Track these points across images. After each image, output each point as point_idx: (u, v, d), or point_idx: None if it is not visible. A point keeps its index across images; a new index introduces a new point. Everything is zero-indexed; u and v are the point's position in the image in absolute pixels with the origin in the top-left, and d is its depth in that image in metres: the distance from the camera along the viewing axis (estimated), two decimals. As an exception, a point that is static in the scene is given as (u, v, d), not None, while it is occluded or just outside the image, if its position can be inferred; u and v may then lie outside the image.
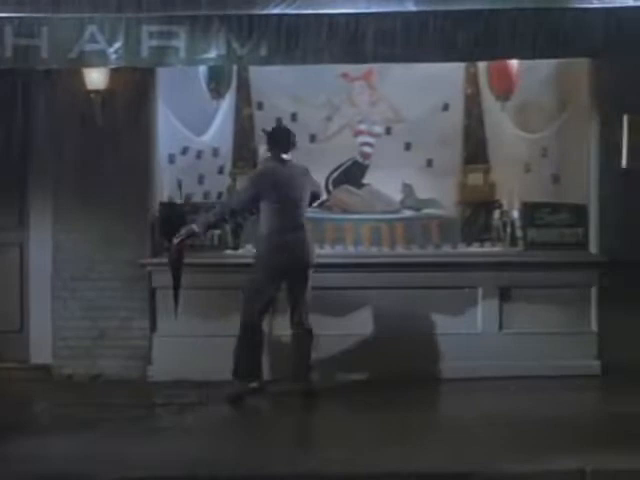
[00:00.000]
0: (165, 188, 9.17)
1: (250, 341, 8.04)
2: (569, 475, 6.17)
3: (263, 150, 8.64)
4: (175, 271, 8.10)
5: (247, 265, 8.76)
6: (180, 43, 7.48)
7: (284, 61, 7.70)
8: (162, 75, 8.85)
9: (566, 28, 7.64)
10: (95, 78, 8.46)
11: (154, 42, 7.49)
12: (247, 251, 9.06)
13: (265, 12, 7.49)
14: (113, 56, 7.50)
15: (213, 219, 8.24)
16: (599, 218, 8.91)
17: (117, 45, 7.47)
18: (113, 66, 7.83)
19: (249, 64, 8.67)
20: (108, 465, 6.37)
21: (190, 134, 9.38)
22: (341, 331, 8.81)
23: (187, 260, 8.68)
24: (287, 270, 8.08)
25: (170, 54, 7.53)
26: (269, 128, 8.52)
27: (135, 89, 8.69)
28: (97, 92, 8.52)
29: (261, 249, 8.22)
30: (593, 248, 8.94)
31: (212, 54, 7.52)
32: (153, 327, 8.86)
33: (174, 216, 8.75)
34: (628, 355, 8.65)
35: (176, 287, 8.10)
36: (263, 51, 7.46)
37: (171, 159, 9.28)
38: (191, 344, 8.69)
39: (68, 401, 8.04)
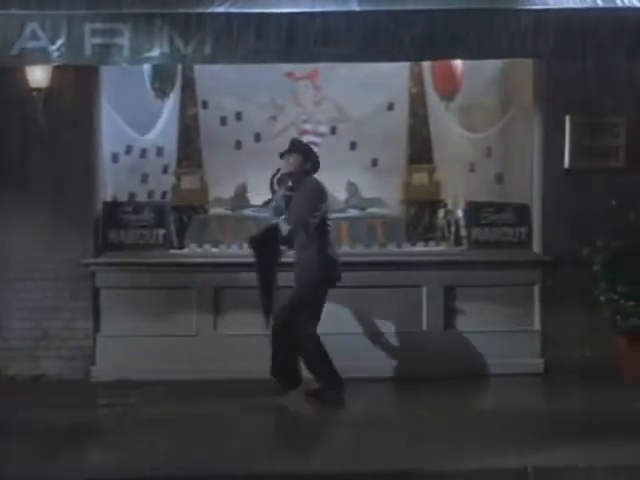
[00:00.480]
0: (109, 187, 9.10)
1: (323, 353, 7.87)
2: (512, 473, 6.20)
3: (288, 165, 7.93)
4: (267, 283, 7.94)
5: (191, 265, 8.80)
6: (124, 41, 7.41)
7: (228, 60, 7.67)
8: (106, 73, 8.78)
9: (510, 29, 7.67)
10: (37, 76, 8.36)
11: (97, 40, 7.41)
12: (192, 250, 9.04)
13: (209, 11, 7.45)
14: (55, 54, 7.41)
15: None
16: (542, 217, 8.98)
17: (59, 43, 7.38)
18: (55, 64, 7.76)
19: (193, 63, 8.65)
20: (48, 467, 6.30)
21: (134, 133, 9.33)
22: (287, 330, 8.79)
23: (131, 259, 8.70)
24: (334, 284, 7.97)
25: (113, 52, 7.46)
26: (299, 143, 8.11)
27: (78, 87, 8.61)
28: (39, 90, 8.42)
29: (315, 266, 7.77)
30: (536, 247, 9.01)
31: (156, 52, 7.45)
32: (97, 327, 8.79)
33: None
34: (570, 353, 8.75)
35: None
36: (207, 50, 7.41)
37: (115, 158, 9.22)
38: (135, 344, 8.65)
39: (9, 402, 7.93)
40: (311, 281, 7.75)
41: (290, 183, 7.85)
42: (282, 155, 7.86)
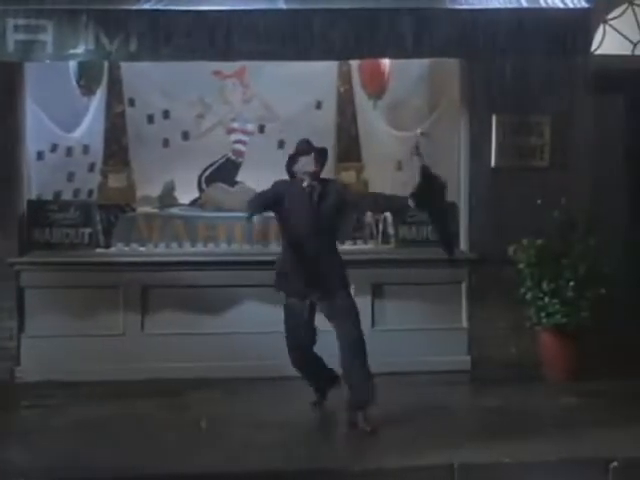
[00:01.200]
0: (34, 186, 8.98)
1: None
2: (437, 470, 6.26)
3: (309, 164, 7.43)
4: None
5: (118, 264, 8.73)
6: (47, 37, 7.31)
7: (154, 57, 7.58)
8: (30, 70, 8.67)
9: (437, 28, 7.71)
10: (-41, 72, 8.23)
11: (20, 36, 7.29)
12: (119, 249, 8.97)
13: (135, 7, 7.39)
14: (-23, 49, 7.31)
15: None
16: (469, 216, 9.06)
17: (-19, 38, 7.28)
18: (-23, 60, 7.65)
19: (118, 60, 8.54)
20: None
21: (60, 131, 9.20)
22: (215, 329, 8.78)
23: (57, 259, 8.62)
24: None
25: (37, 48, 7.35)
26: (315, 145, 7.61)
27: (1, 83, 8.47)
28: (-39, 86, 8.30)
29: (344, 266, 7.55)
30: (463, 245, 9.08)
31: (80, 49, 7.35)
32: (21, 327, 8.67)
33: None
34: (497, 350, 8.84)
35: None
36: (132, 47, 7.34)
37: (40, 156, 9.10)
38: (61, 344, 8.57)
39: None
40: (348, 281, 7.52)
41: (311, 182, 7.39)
42: (295, 156, 7.47)
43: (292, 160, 7.49)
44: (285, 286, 7.51)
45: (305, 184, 7.36)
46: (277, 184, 7.55)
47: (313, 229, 7.28)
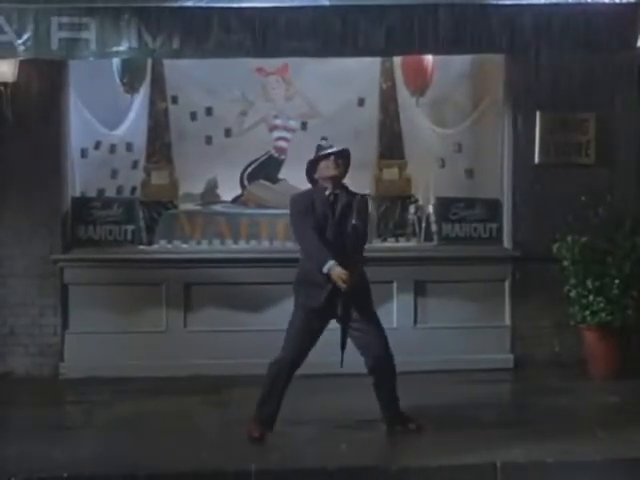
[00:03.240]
0: (77, 183, 9.04)
1: None
2: (480, 469, 6.21)
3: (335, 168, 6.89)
4: None
5: (161, 261, 8.76)
6: (91, 35, 7.38)
7: (196, 55, 7.63)
8: (74, 68, 8.72)
9: (480, 24, 7.70)
10: (3, 70, 8.26)
11: (64, 34, 7.37)
12: (161, 247, 9.00)
13: (178, 5, 7.42)
14: (21, 47, 7.37)
15: None
16: (512, 213, 8.99)
17: (26, 36, 7.34)
18: (21, 58, 7.73)
19: (161, 57, 8.58)
20: (16, 464, 6.26)
21: (103, 128, 9.27)
22: (256, 327, 8.77)
23: (100, 256, 8.67)
24: None
25: (80, 46, 7.42)
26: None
27: (46, 82, 8.55)
28: (5, 85, 8.34)
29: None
30: (506, 242, 9.02)
31: (123, 47, 7.42)
32: (65, 324, 8.73)
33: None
34: (540, 348, 8.78)
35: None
36: (175, 44, 7.39)
37: (84, 153, 9.16)
38: (103, 340, 8.62)
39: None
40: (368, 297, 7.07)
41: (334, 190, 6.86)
42: (315, 162, 6.94)
43: (312, 166, 6.98)
44: (305, 298, 6.88)
45: (327, 192, 6.85)
46: (298, 200, 7.02)
47: (336, 239, 6.76)
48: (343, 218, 6.80)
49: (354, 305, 6.86)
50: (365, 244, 7.01)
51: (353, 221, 6.76)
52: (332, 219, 6.80)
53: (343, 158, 6.91)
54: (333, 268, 6.65)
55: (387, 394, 7.01)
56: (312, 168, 6.98)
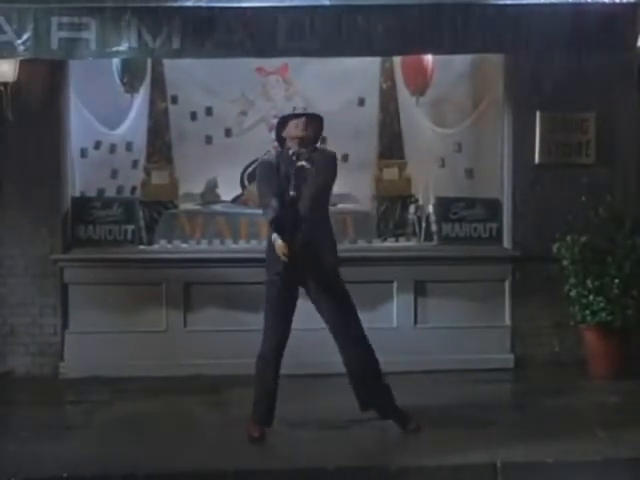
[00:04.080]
0: (77, 183, 9.04)
1: None
2: (480, 469, 6.21)
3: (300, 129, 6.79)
4: None
5: (161, 261, 8.76)
6: (91, 35, 7.36)
7: (196, 55, 7.64)
8: (74, 68, 8.71)
9: (481, 24, 7.69)
10: (3, 70, 8.24)
11: (64, 33, 7.35)
12: (161, 246, 9.00)
13: (178, 4, 7.41)
14: (21, 47, 7.35)
15: None
16: (512, 213, 8.98)
17: (26, 36, 7.32)
18: (21, 57, 7.71)
19: (161, 57, 8.57)
20: (16, 464, 6.26)
21: (103, 128, 9.28)
22: (256, 326, 8.67)
23: (100, 255, 8.67)
24: None
25: (80, 46, 7.40)
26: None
27: (46, 82, 8.53)
28: (6, 85, 8.32)
29: (335, 248, 7.06)
30: (506, 242, 9.01)
31: (123, 47, 7.41)
32: (65, 323, 8.73)
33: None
34: (540, 348, 8.78)
35: None
36: (175, 44, 7.37)
37: (83, 153, 9.17)
38: (104, 340, 8.61)
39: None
40: (338, 265, 6.90)
41: (297, 154, 6.74)
42: (285, 120, 6.84)
43: (281, 124, 6.87)
44: (274, 267, 6.72)
45: (291, 152, 6.74)
46: (264, 164, 6.91)
47: (294, 206, 6.59)
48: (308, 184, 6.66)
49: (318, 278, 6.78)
50: (322, 205, 6.83)
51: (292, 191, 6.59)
52: (294, 178, 6.66)
53: (314, 122, 6.83)
54: (275, 240, 6.61)
55: (360, 380, 6.91)
56: (282, 125, 6.88)
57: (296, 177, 6.66)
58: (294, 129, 6.78)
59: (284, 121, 6.88)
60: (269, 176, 6.77)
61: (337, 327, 6.92)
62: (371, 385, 6.96)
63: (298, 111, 6.96)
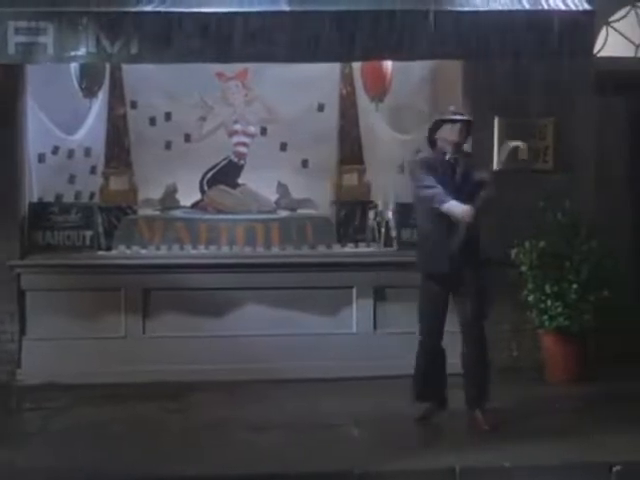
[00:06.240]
0: (35, 188, 8.98)
1: None
2: (439, 473, 6.24)
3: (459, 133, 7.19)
4: None
5: (120, 266, 8.71)
6: (48, 40, 7.27)
7: (155, 60, 7.60)
8: (32, 73, 8.68)
9: (439, 30, 7.68)
10: (-39, 75, 8.20)
11: (21, 38, 7.25)
12: (120, 252, 8.97)
13: (136, 9, 7.36)
14: (-22, 52, 7.29)
15: None
16: (471, 218, 9.00)
17: (-19, 41, 7.26)
18: (-23, 63, 7.63)
19: (119, 62, 8.50)
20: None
21: (61, 133, 9.22)
22: (216, 332, 8.77)
23: (58, 261, 8.61)
24: None
25: (38, 51, 7.30)
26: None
27: (3, 87, 8.45)
28: (-38, 89, 8.28)
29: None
30: (465, 248, 9.03)
31: (81, 51, 7.33)
32: (22, 330, 8.66)
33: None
34: (498, 353, 8.75)
35: None
36: (133, 49, 7.31)
37: (41, 158, 9.12)
38: (62, 347, 8.57)
39: None
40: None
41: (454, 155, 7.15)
42: (440, 122, 7.18)
43: (436, 125, 7.22)
44: (427, 266, 7.27)
45: (448, 157, 7.12)
46: (425, 161, 7.25)
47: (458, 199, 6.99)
48: (463, 181, 7.07)
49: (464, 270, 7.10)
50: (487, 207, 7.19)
51: (480, 176, 7.07)
52: (452, 182, 7.04)
53: (468, 128, 7.24)
54: (457, 206, 6.91)
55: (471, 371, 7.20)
56: (436, 127, 7.21)
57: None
58: (449, 133, 7.14)
59: (439, 123, 7.21)
60: (429, 172, 7.10)
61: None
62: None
63: (456, 116, 7.22)
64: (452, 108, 7.40)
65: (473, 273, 7.16)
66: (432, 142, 7.29)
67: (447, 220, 7.05)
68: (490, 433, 6.97)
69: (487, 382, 7.24)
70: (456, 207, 6.94)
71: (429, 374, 7.37)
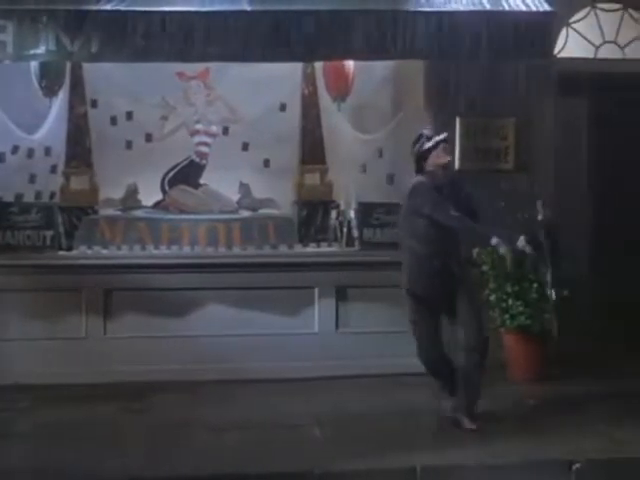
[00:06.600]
0: (-6, 187, 8.92)
1: None
2: (400, 473, 6.25)
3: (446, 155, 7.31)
4: None
5: (80, 267, 8.66)
6: (7, 37, 7.25)
7: (115, 59, 7.58)
8: (-9, 71, 8.60)
9: (401, 30, 7.73)
10: None
11: (-21, 36, 7.25)
12: (81, 252, 8.91)
13: (96, 8, 7.34)
14: None
15: None
16: (432, 218, 9.03)
17: (-61, 39, 7.21)
18: None
19: (79, 60, 8.44)
20: None
21: (21, 132, 9.12)
22: (178, 332, 8.73)
23: (18, 262, 8.54)
24: None
25: (-4, 48, 7.30)
26: None
27: (-39, 85, 8.42)
28: None
29: None
30: (427, 248, 9.06)
31: (41, 50, 7.31)
32: (-17, 330, 8.60)
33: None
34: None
35: None
36: (94, 48, 7.29)
37: (0, 158, 9.04)
38: (22, 347, 8.48)
39: None
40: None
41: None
42: (426, 153, 7.21)
43: (422, 157, 7.21)
44: (417, 286, 7.27)
45: (445, 179, 7.15)
46: (426, 186, 7.17)
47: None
48: (465, 200, 7.18)
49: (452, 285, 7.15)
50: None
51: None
52: (457, 202, 7.07)
53: (447, 142, 7.27)
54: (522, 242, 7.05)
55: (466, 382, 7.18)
56: (423, 159, 7.21)
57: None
58: (438, 158, 7.16)
59: (427, 152, 7.18)
60: (435, 193, 7.08)
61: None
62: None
63: (433, 140, 7.21)
64: (426, 132, 7.38)
65: (463, 287, 7.20)
66: (420, 170, 7.27)
67: (437, 242, 7.10)
68: (463, 432, 7.02)
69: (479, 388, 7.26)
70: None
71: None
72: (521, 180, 9.01)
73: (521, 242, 7.11)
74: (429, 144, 7.19)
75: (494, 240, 7.33)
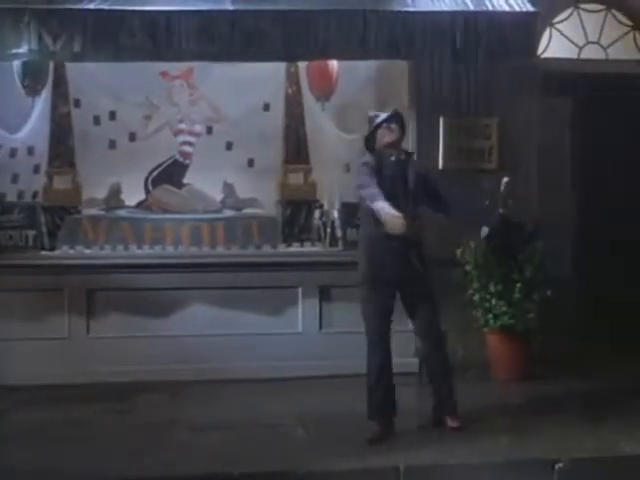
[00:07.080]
0: (-23, 186, 8.90)
1: None
2: (384, 472, 6.24)
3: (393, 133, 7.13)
4: None
5: (63, 267, 8.63)
6: (-11, 36, 7.24)
7: (98, 58, 7.57)
8: (-27, 70, 8.58)
9: (385, 30, 7.74)
10: None
11: (-39, 35, 7.22)
12: (64, 252, 8.89)
13: (79, 7, 7.32)
14: None
15: None
16: (416, 218, 9.03)
17: None
18: None
19: (62, 60, 8.43)
20: None
21: (4, 132, 9.12)
22: (161, 332, 8.72)
23: (0, 261, 8.51)
24: None
25: (-21, 48, 7.28)
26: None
27: (-56, 84, 8.39)
28: None
29: None
30: (410, 247, 9.06)
31: (23, 49, 7.30)
32: (-36, 331, 8.56)
33: None
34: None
35: None
36: (76, 47, 7.29)
37: (-17, 157, 9.01)
38: (5, 348, 8.45)
39: None
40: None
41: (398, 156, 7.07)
42: (372, 133, 7.13)
43: (370, 139, 7.14)
44: (373, 274, 7.11)
45: (393, 158, 7.00)
46: (368, 163, 6.99)
47: (404, 202, 6.89)
48: (413, 182, 7.01)
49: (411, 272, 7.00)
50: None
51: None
52: (403, 186, 6.96)
53: (395, 121, 7.10)
54: (383, 207, 6.68)
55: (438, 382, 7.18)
56: (371, 140, 7.15)
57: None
58: (383, 138, 7.07)
59: (372, 135, 7.13)
60: (373, 174, 6.89)
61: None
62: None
63: (377, 119, 7.14)
64: (372, 113, 7.41)
65: (420, 276, 7.07)
66: (371, 150, 7.18)
67: None
68: (446, 431, 7.03)
69: (453, 385, 7.24)
70: (383, 210, 6.71)
71: (384, 384, 7.23)
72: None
73: (483, 232, 7.39)
74: (375, 123, 7.16)
75: (483, 230, 7.32)
